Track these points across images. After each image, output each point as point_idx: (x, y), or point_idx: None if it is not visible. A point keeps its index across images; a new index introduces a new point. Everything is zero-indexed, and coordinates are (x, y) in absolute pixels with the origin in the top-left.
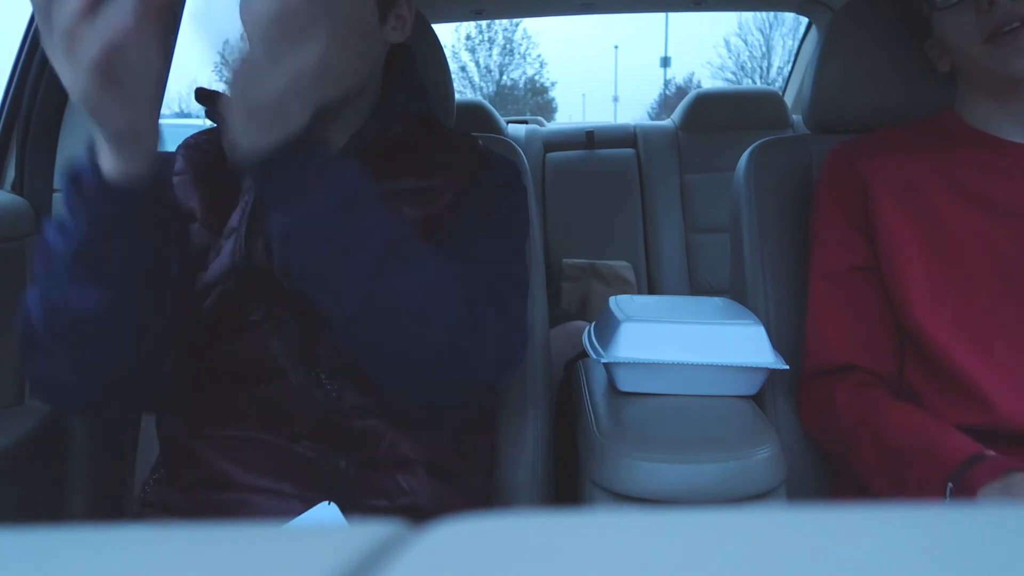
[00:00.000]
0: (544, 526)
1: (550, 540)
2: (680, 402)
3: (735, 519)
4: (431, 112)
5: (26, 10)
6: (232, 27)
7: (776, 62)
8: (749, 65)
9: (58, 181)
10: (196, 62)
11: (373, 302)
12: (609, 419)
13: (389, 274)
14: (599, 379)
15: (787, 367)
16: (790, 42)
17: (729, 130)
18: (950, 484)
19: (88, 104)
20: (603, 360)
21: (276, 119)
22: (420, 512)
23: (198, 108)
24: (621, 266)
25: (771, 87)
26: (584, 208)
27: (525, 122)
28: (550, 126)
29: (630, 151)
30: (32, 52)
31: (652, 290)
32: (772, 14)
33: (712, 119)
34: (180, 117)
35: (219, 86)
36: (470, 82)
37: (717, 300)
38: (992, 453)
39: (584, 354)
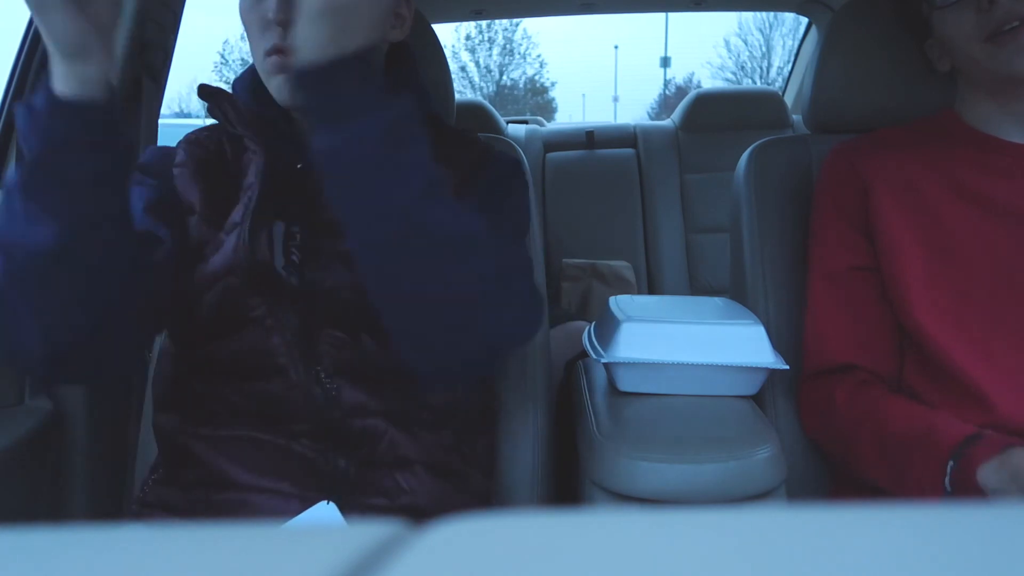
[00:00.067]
0: (544, 526)
1: (550, 540)
2: (680, 402)
3: (735, 519)
4: (431, 110)
5: (26, 10)
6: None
7: (776, 62)
8: (749, 65)
9: None
10: (196, 62)
11: (409, 233)
12: (609, 419)
13: (428, 209)
14: (599, 379)
15: (787, 367)
16: (790, 42)
17: (729, 130)
18: (951, 463)
19: (39, 11)
20: (603, 360)
21: (346, 27)
22: (420, 512)
23: (198, 108)
24: (621, 266)
25: (771, 87)
26: (584, 208)
27: (525, 122)
28: (550, 126)
29: (630, 151)
30: (32, 52)
31: (652, 290)
32: (772, 14)
33: (712, 119)
34: (180, 117)
35: (219, 86)
36: (470, 82)
37: (717, 300)
38: (991, 432)
39: (584, 354)
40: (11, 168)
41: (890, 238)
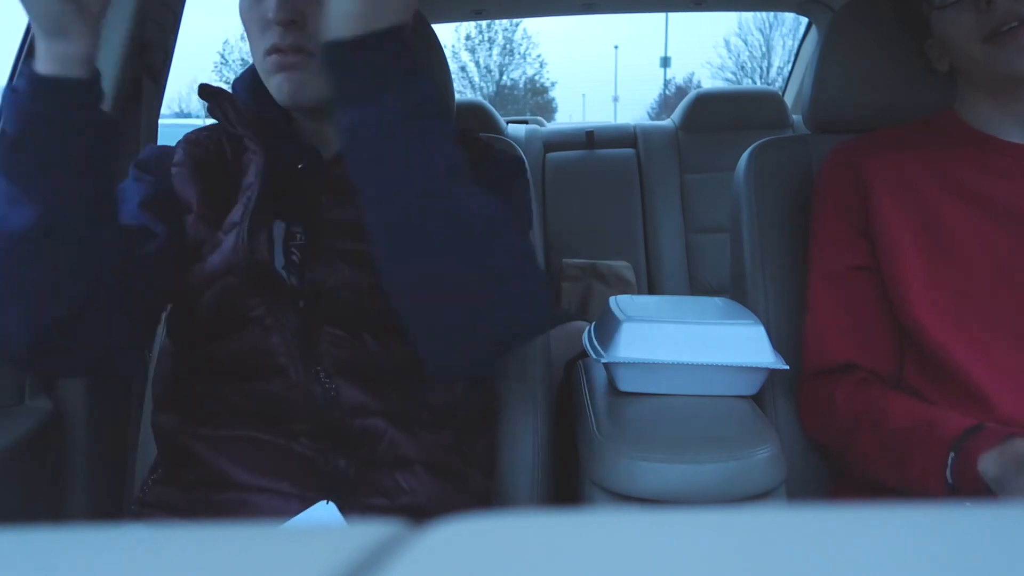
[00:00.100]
0: (544, 526)
1: (550, 540)
2: (680, 402)
3: (735, 519)
4: None
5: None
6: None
7: (776, 62)
8: (749, 65)
9: None
10: (196, 62)
11: (431, 213)
12: (609, 419)
13: (450, 189)
14: (599, 379)
15: (787, 367)
16: (790, 42)
17: (729, 130)
18: (952, 454)
19: None
20: (603, 360)
21: (380, 3)
22: (419, 511)
23: (198, 108)
24: (621, 266)
25: (771, 87)
26: (584, 208)
27: (525, 122)
28: (550, 126)
29: (630, 151)
30: (32, 51)
31: (652, 290)
32: (772, 14)
33: (712, 119)
34: (180, 117)
35: (220, 86)
36: (470, 82)
37: (717, 300)
38: (991, 424)
39: (584, 354)
40: None
41: (890, 238)
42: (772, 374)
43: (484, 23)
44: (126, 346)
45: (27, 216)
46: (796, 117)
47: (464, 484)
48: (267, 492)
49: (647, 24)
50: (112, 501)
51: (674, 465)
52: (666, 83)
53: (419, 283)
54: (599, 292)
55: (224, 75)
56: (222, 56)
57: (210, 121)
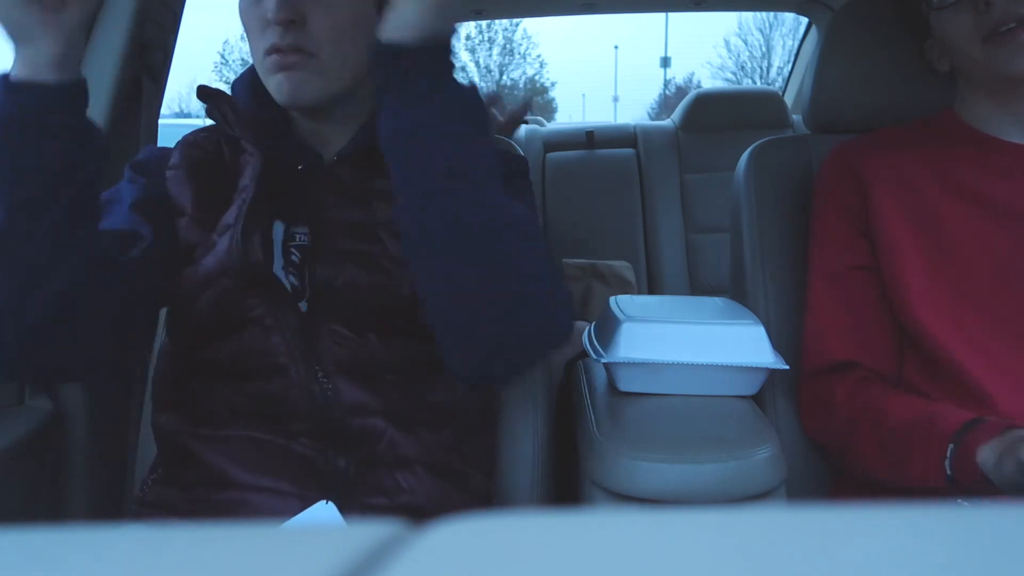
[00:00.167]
0: (544, 526)
1: (550, 540)
2: (680, 402)
3: (735, 519)
4: None
5: None
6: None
7: (776, 62)
8: (749, 65)
9: None
10: (196, 62)
11: (471, 216)
12: (609, 419)
13: (490, 192)
14: (599, 379)
15: (787, 367)
16: (790, 42)
17: (729, 130)
18: (951, 446)
19: None
20: (603, 360)
21: (441, 10)
22: (419, 511)
23: (198, 108)
24: (621, 266)
25: (771, 87)
26: (584, 208)
27: (525, 122)
28: (550, 126)
29: (630, 151)
30: None
31: (652, 290)
32: (772, 14)
33: (712, 119)
34: (180, 117)
35: (218, 87)
36: (470, 82)
37: (717, 300)
38: (991, 417)
39: (584, 354)
40: None
41: (890, 238)
42: (772, 374)
43: (484, 23)
44: (114, 351)
45: None
46: (796, 117)
47: (464, 484)
48: (267, 492)
49: (647, 24)
50: (112, 501)
51: (674, 465)
52: (666, 83)
53: (454, 285)
54: (599, 292)
55: (224, 75)
56: (222, 56)
57: (210, 122)
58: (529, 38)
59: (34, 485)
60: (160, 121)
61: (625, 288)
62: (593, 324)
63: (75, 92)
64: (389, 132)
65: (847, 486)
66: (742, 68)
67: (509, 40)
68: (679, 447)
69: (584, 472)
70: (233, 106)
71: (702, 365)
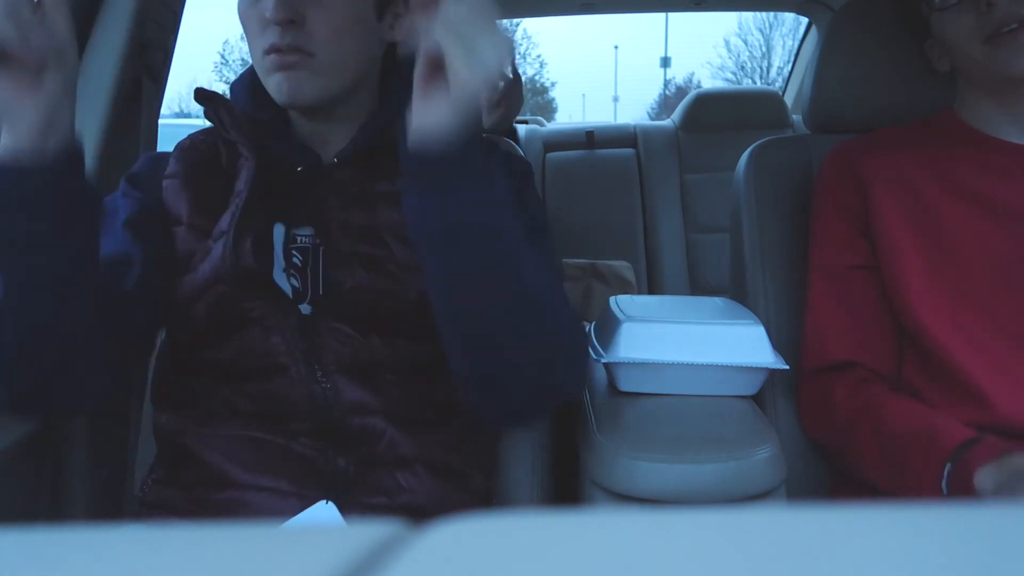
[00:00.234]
0: (544, 526)
1: (550, 540)
2: (680, 402)
3: (735, 519)
4: None
5: None
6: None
7: (776, 62)
8: (749, 65)
9: None
10: (196, 62)
11: (502, 297)
12: (609, 419)
13: (522, 272)
14: (599, 379)
15: (787, 367)
16: (790, 42)
17: (729, 130)
18: (948, 465)
19: None
20: (603, 360)
21: (477, 107)
22: (419, 511)
23: (198, 108)
24: (621, 266)
25: (771, 87)
26: (584, 208)
27: (525, 122)
28: (550, 126)
29: (630, 151)
30: None
31: (652, 290)
32: (772, 14)
33: (712, 119)
34: (180, 117)
35: (218, 87)
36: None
37: (717, 300)
38: (990, 437)
39: None
40: None
41: (890, 238)
42: (772, 374)
43: None
44: (117, 379)
45: None
46: (796, 117)
47: (464, 484)
48: (267, 491)
49: (647, 24)
50: (112, 501)
51: (674, 465)
52: (666, 83)
53: (480, 350)
54: (599, 292)
55: (224, 75)
56: (222, 56)
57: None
58: (529, 38)
59: (34, 485)
60: (160, 121)
61: (625, 288)
62: (593, 324)
63: (61, 164)
64: (422, 233)
65: (847, 486)
66: (742, 68)
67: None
68: (679, 447)
69: (584, 472)
70: (230, 109)
71: (702, 365)
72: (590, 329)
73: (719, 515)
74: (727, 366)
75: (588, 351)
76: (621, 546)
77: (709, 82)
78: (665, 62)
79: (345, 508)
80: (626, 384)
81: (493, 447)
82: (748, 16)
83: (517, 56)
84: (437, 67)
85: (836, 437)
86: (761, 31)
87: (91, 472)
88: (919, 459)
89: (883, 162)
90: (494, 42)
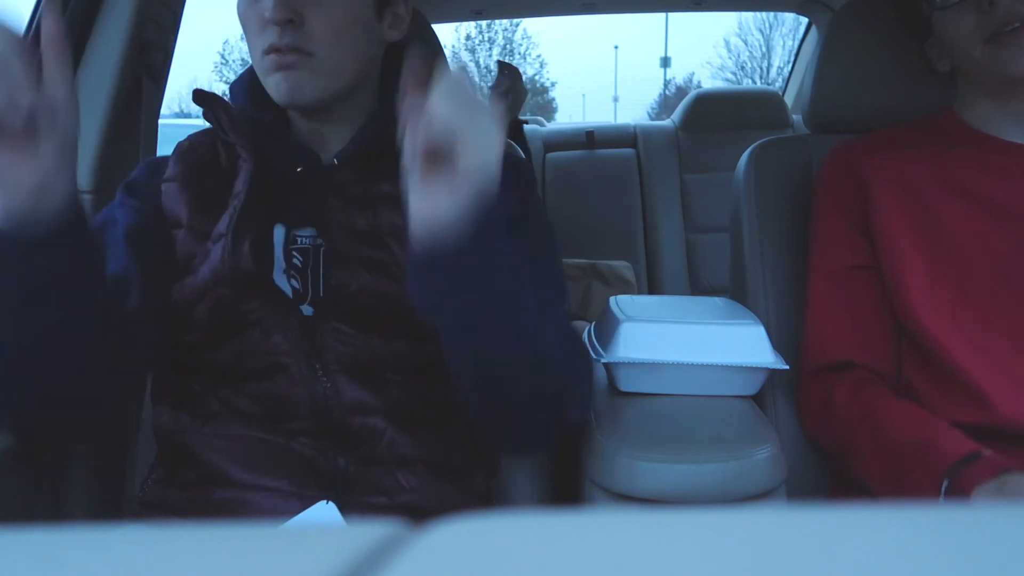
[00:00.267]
0: (544, 526)
1: (550, 540)
2: (680, 402)
3: (735, 519)
4: None
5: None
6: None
7: (776, 62)
8: (749, 65)
9: None
10: (196, 62)
11: (517, 358)
12: (609, 419)
13: (536, 332)
14: (599, 379)
15: (787, 367)
16: (790, 42)
17: (729, 130)
18: (945, 481)
19: None
20: (603, 360)
21: (485, 190)
22: (419, 511)
23: (198, 108)
24: (621, 266)
25: (771, 87)
26: (584, 208)
27: (525, 122)
28: (550, 126)
29: (630, 151)
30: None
31: (652, 290)
32: (772, 14)
33: (712, 119)
34: (180, 117)
35: (218, 87)
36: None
37: (717, 300)
38: (989, 452)
39: None
40: None
41: (890, 238)
42: (772, 374)
43: (484, 23)
44: (118, 398)
45: None
46: (796, 117)
47: (464, 483)
48: (266, 491)
49: (647, 24)
50: (112, 501)
51: (674, 465)
52: (666, 83)
53: (494, 400)
54: (599, 292)
55: (224, 75)
56: (222, 56)
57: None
58: (529, 38)
59: (34, 485)
60: (160, 121)
61: (625, 288)
62: (593, 324)
63: (56, 227)
64: (432, 314)
65: (847, 486)
66: (742, 68)
67: (509, 40)
68: (679, 447)
69: (584, 472)
70: (228, 110)
71: (702, 365)
72: (590, 329)
73: (719, 515)
74: (727, 366)
75: (593, 381)
76: (621, 546)
77: (709, 82)
78: (665, 62)
79: (345, 508)
80: (626, 384)
81: (493, 447)
82: (748, 16)
83: (517, 56)
84: (435, 159)
85: (836, 438)
86: (761, 31)
87: (91, 472)
88: (918, 470)
89: (883, 162)
90: (493, 118)
